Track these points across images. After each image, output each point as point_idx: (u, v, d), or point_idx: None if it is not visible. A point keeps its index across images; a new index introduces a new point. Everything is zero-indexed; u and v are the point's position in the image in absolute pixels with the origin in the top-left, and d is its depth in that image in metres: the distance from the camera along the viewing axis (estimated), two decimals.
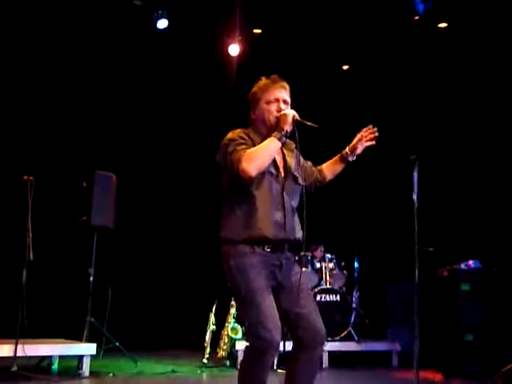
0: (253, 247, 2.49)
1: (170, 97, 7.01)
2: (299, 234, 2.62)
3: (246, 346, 2.45)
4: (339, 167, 2.86)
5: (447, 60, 6.36)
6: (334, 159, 2.87)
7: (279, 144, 2.54)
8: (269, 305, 2.42)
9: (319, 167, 2.89)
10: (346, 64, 7.43)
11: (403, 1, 6.10)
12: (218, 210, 2.67)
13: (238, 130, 2.64)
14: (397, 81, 6.85)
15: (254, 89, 2.72)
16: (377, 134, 2.78)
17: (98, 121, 6.62)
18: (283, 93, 2.68)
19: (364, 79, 7.15)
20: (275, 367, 5.02)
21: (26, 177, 4.30)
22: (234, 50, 6.94)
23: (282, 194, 2.59)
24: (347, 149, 2.80)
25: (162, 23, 6.46)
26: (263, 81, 2.72)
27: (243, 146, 2.53)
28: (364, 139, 2.78)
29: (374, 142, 2.80)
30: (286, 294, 2.54)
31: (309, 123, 2.59)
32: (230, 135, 2.61)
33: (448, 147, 6.25)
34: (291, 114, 2.57)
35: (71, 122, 6.47)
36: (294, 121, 2.56)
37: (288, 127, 2.55)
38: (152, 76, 6.79)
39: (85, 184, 5.13)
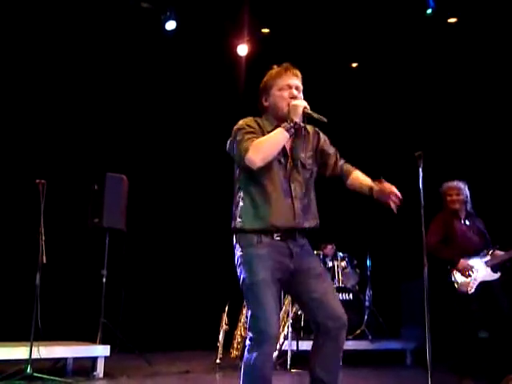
0: (260, 237, 2.49)
1: (180, 98, 7.02)
2: (312, 222, 2.60)
3: (247, 339, 2.47)
4: (361, 191, 2.69)
5: (454, 55, 6.33)
6: (365, 183, 2.68)
7: (287, 135, 2.51)
8: (270, 299, 2.42)
9: (347, 168, 2.76)
10: (355, 61, 7.41)
11: None
12: (230, 210, 2.66)
13: (249, 118, 2.63)
14: (402, 77, 6.83)
15: (266, 77, 2.70)
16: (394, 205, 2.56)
17: (108, 123, 6.64)
18: (295, 80, 2.65)
19: (371, 76, 7.14)
20: (288, 367, 5.02)
21: (38, 180, 4.32)
22: (243, 50, 6.94)
23: (289, 182, 2.57)
24: (376, 188, 2.61)
25: (171, 25, 6.47)
26: (275, 69, 2.70)
27: (251, 135, 2.52)
28: (388, 196, 2.56)
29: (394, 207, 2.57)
30: (302, 281, 2.52)
31: (317, 116, 2.54)
32: (239, 123, 2.60)
33: (455, 141, 6.24)
34: (302, 105, 2.53)
35: (82, 125, 6.50)
36: (304, 113, 2.53)
37: (297, 118, 2.51)
38: (161, 77, 6.82)
39: (96, 186, 5.15)
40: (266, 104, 2.68)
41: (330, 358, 2.48)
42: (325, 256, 6.15)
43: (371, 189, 2.63)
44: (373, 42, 6.74)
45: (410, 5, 6.18)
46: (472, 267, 4.47)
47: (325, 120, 2.54)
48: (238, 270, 2.53)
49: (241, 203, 2.57)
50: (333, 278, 5.99)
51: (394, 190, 2.56)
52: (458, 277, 4.51)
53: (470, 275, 4.46)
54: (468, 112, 6.29)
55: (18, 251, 5.62)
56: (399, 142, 6.52)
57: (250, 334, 2.45)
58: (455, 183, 4.78)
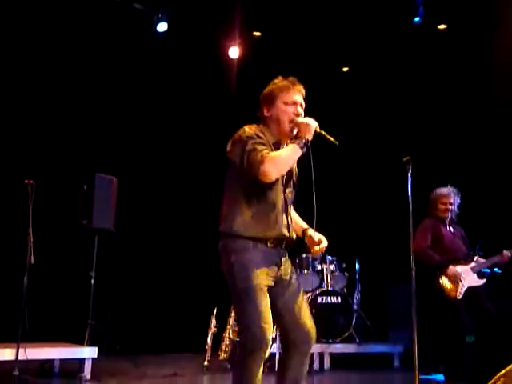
0: (255, 243, 2.53)
1: (171, 99, 7.01)
2: (294, 234, 2.72)
3: (238, 342, 2.49)
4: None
5: (443, 61, 6.39)
6: (300, 224, 2.81)
7: (300, 153, 2.55)
8: (264, 303, 2.47)
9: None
10: (345, 66, 7.45)
11: (403, 3, 6.13)
12: (220, 212, 2.67)
13: (254, 127, 2.63)
14: (392, 82, 6.88)
15: (271, 86, 2.71)
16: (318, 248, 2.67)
17: (98, 124, 6.61)
18: (300, 96, 2.70)
19: (362, 80, 7.18)
20: (276, 369, 5.02)
21: (26, 180, 4.29)
22: (234, 52, 6.96)
23: (284, 195, 2.64)
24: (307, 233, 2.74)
25: (162, 26, 6.48)
26: (281, 80, 2.71)
27: (263, 147, 2.52)
28: (313, 244, 2.68)
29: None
30: (281, 294, 2.60)
31: (330, 138, 2.61)
32: (246, 131, 2.59)
33: (444, 147, 6.29)
34: (314, 124, 2.58)
35: (72, 125, 6.47)
36: (316, 132, 2.58)
37: (310, 137, 2.56)
38: (152, 79, 6.80)
39: (85, 187, 5.13)
40: (267, 114, 2.68)
41: (298, 370, 2.59)
42: (313, 259, 6.16)
43: (304, 231, 2.76)
44: (364, 46, 6.79)
45: (401, 11, 6.23)
46: (460, 274, 4.53)
47: (336, 143, 2.61)
48: (230, 275, 2.53)
49: (237, 209, 2.56)
50: (321, 281, 6.00)
51: (322, 242, 2.67)
52: (446, 283, 4.57)
53: (458, 281, 4.51)
54: (458, 118, 6.34)
55: (6, 252, 5.57)
56: (388, 147, 6.57)
57: (244, 340, 2.46)
58: (450, 191, 4.80)
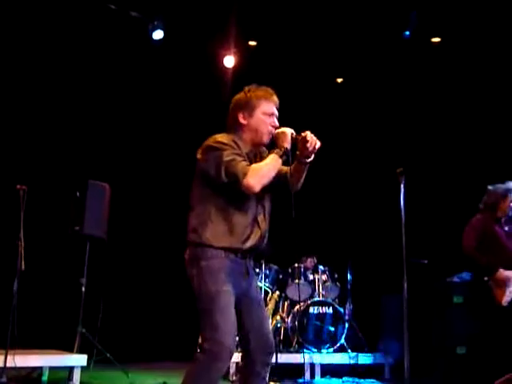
0: (227, 253, 2.51)
1: (166, 107, 7.01)
2: (266, 246, 2.70)
3: (200, 350, 2.43)
4: (301, 173, 2.68)
5: (436, 73, 6.45)
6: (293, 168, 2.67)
7: (280, 162, 2.55)
8: (231, 311, 2.46)
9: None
10: (340, 77, 7.49)
11: (399, 15, 6.19)
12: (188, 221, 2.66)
13: (229, 137, 2.59)
14: (385, 94, 6.93)
15: (250, 94, 2.66)
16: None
17: (92, 130, 6.60)
18: (275, 107, 2.68)
19: (356, 91, 7.22)
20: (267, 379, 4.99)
21: (19, 186, 4.27)
22: (230, 61, 6.98)
23: (257, 206, 2.61)
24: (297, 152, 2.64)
25: (158, 34, 6.50)
26: (257, 89, 2.67)
27: (241, 158, 2.50)
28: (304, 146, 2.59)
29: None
30: (245, 304, 2.59)
31: (304, 136, 2.57)
32: (219, 139, 2.55)
33: (437, 159, 6.32)
34: (289, 132, 2.57)
35: (65, 131, 6.46)
36: (292, 138, 2.57)
37: (288, 145, 2.54)
38: (147, 86, 6.81)
39: (78, 193, 5.11)
40: (243, 122, 2.63)
41: (260, 380, 2.59)
42: (305, 269, 6.14)
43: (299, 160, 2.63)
44: (359, 57, 6.83)
45: (396, 23, 6.29)
46: (509, 278, 4.22)
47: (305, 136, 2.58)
48: (198, 280, 2.52)
49: (208, 219, 2.54)
50: (313, 290, 5.98)
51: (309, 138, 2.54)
52: (493, 287, 4.27)
53: (505, 286, 4.21)
54: (451, 129, 6.39)
55: None
56: (381, 158, 6.60)
57: (209, 346, 2.40)
58: None
